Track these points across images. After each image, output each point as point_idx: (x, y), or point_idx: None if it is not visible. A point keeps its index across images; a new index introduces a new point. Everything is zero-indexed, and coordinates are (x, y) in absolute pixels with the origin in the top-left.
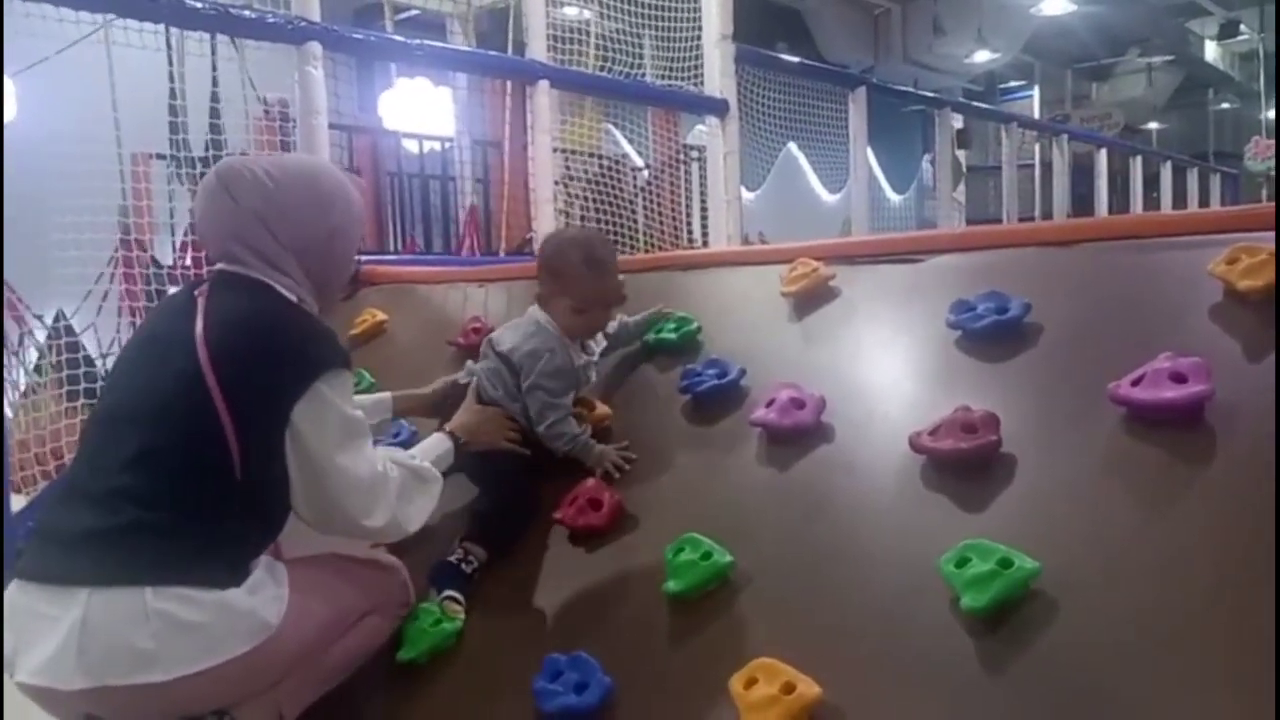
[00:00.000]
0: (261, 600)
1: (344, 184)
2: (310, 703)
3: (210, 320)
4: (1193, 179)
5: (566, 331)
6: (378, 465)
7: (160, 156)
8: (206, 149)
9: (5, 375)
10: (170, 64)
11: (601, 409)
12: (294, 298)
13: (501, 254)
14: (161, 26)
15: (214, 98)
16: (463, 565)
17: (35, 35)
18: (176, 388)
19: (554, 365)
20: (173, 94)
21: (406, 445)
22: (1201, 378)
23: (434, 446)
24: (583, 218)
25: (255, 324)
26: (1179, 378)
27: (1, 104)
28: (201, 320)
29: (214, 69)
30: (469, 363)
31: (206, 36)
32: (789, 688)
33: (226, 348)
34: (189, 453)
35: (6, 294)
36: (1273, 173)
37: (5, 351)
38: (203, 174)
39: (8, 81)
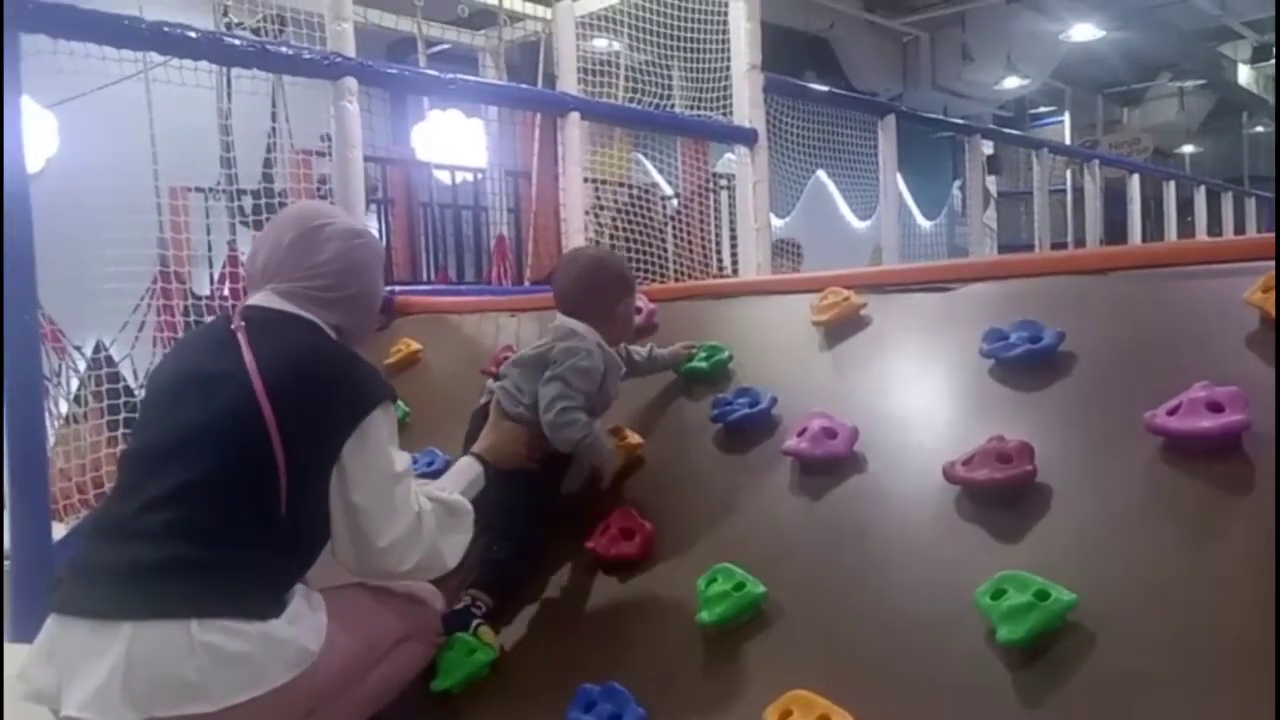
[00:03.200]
0: (302, 629)
1: (379, 252)
2: None
3: (261, 354)
4: (1228, 204)
5: (608, 340)
6: (415, 505)
7: (199, 190)
8: (227, 183)
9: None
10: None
11: (633, 438)
12: (333, 333)
13: (527, 283)
14: (203, 63)
15: (224, 130)
16: (473, 609)
17: (79, 73)
18: (230, 422)
19: (588, 364)
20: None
21: (438, 474)
22: (1238, 407)
23: (464, 473)
24: (613, 246)
25: (310, 358)
26: (1216, 407)
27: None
28: (250, 355)
29: (228, 100)
30: (489, 382)
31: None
32: None
33: (282, 382)
34: (239, 486)
35: (48, 325)
36: None
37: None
38: (231, 208)
39: (49, 114)
